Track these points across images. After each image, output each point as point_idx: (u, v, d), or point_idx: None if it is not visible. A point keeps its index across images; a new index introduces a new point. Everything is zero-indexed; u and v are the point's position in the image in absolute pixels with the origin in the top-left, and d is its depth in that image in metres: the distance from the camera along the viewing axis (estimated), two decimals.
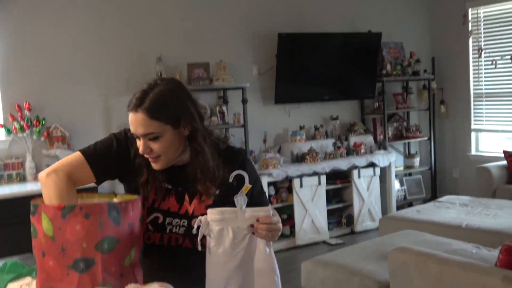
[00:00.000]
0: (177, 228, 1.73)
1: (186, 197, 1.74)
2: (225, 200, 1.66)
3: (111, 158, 1.73)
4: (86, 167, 1.68)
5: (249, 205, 1.62)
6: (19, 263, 1.85)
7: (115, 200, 1.68)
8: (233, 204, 1.61)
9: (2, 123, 4.33)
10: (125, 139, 1.76)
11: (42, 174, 1.66)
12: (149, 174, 1.72)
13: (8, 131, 4.31)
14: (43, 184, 1.64)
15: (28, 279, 1.66)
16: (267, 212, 1.58)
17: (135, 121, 1.62)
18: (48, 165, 4.42)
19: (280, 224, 1.64)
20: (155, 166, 1.70)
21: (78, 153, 1.71)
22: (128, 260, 1.52)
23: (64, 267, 1.43)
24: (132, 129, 1.65)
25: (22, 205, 3.70)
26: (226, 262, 1.57)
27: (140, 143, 1.66)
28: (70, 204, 1.47)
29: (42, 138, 4.42)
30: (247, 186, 1.61)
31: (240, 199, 1.58)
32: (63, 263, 1.43)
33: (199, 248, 1.58)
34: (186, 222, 1.72)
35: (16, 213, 3.75)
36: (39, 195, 1.62)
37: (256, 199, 1.76)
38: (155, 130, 1.61)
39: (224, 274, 1.57)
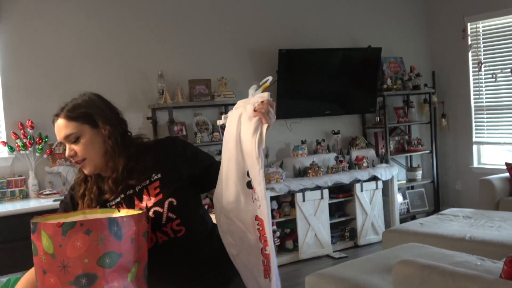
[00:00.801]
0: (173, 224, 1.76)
1: (135, 199, 1.77)
2: (170, 179, 1.76)
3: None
4: None
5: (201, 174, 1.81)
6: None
7: (118, 214, 1.68)
8: (179, 182, 1.76)
9: (5, 141, 4.35)
10: (67, 195, 1.88)
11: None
12: (86, 189, 1.81)
13: (11, 149, 4.33)
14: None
15: None
16: (268, 96, 1.66)
17: (57, 128, 1.76)
18: (50, 182, 4.44)
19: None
20: (85, 170, 1.78)
21: None
22: (132, 276, 1.52)
23: (66, 284, 1.43)
24: (57, 138, 1.76)
25: (25, 222, 3.72)
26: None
27: (66, 150, 1.76)
28: (69, 222, 1.47)
29: (45, 156, 4.44)
30: (266, 84, 1.72)
31: (253, 87, 1.71)
32: (65, 279, 1.43)
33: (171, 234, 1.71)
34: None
35: (19, 230, 3.75)
36: (41, 212, 1.63)
37: (198, 164, 1.84)
38: (73, 130, 1.73)
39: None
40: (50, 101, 4.55)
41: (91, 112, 1.75)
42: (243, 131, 1.64)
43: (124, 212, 1.69)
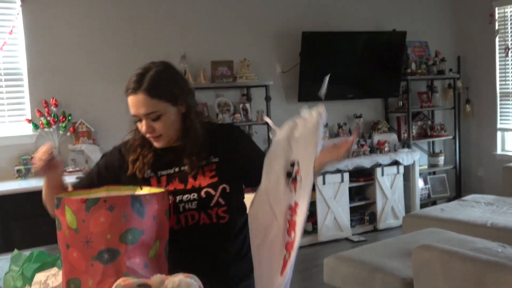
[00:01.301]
0: (190, 204, 1.73)
1: (190, 176, 1.76)
2: (226, 166, 1.76)
3: (100, 174, 1.83)
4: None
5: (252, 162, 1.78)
6: (45, 253, 1.88)
7: (141, 192, 1.69)
8: (233, 171, 1.75)
9: (30, 118, 4.41)
10: (114, 150, 1.87)
11: None
12: (140, 154, 1.79)
13: (36, 126, 4.39)
14: None
15: (54, 270, 1.69)
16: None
17: (136, 103, 1.68)
18: (73, 160, 4.50)
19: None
20: (157, 144, 1.76)
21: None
22: (153, 252, 1.53)
23: (89, 258, 1.45)
24: (133, 111, 1.70)
25: None
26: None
27: (142, 124, 1.71)
28: (93, 197, 1.49)
29: (68, 133, 4.49)
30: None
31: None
32: (88, 254, 1.45)
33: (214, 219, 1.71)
34: (196, 195, 1.73)
35: (43, 206, 3.82)
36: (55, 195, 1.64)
37: (254, 160, 1.79)
38: (156, 108, 1.67)
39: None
40: (74, 79, 4.62)
41: (172, 89, 1.71)
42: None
43: (146, 190, 1.70)
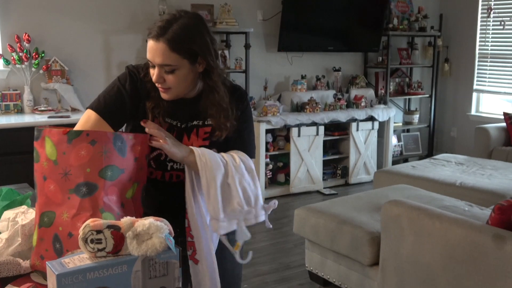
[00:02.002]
0: (178, 165, 1.74)
1: (185, 135, 1.75)
2: (220, 131, 1.73)
3: (123, 106, 1.72)
4: (102, 122, 1.67)
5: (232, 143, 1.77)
6: (14, 191, 1.86)
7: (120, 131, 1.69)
8: (225, 137, 1.73)
9: (1, 53, 4.28)
10: (130, 80, 1.74)
11: None
12: (158, 98, 1.72)
13: (7, 62, 4.26)
14: None
15: (23, 208, 1.67)
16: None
17: (155, 50, 1.62)
18: (46, 99, 4.41)
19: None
20: (164, 96, 1.71)
21: (89, 111, 1.69)
22: (130, 193, 1.53)
23: (66, 191, 1.44)
24: (149, 56, 1.64)
25: (19, 137, 3.73)
26: None
27: (154, 72, 1.66)
28: (76, 130, 1.47)
29: (41, 71, 4.38)
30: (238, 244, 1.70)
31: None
32: (65, 187, 1.44)
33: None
34: None
35: (13, 144, 3.77)
36: (35, 127, 1.60)
37: (240, 137, 1.78)
38: (173, 62, 1.62)
39: None
40: (49, 15, 4.47)
41: (195, 47, 1.63)
42: None
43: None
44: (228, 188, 1.66)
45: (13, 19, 4.32)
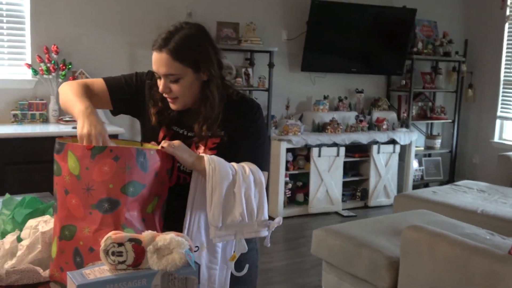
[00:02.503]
0: (185, 167, 1.72)
1: (193, 144, 1.76)
2: (229, 144, 1.75)
3: (129, 88, 1.85)
4: (104, 88, 1.81)
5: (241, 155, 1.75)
6: (37, 199, 1.88)
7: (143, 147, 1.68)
8: (233, 148, 1.74)
9: (29, 63, 4.36)
10: (146, 77, 1.86)
11: (61, 85, 1.82)
12: (163, 107, 1.79)
13: (35, 72, 4.34)
14: (60, 90, 1.79)
15: (46, 217, 1.69)
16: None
17: (158, 61, 1.68)
18: None
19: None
20: (172, 106, 1.76)
21: (101, 80, 1.84)
22: (151, 208, 1.53)
23: (88, 206, 1.44)
24: (154, 68, 1.71)
25: (43, 146, 3.78)
26: None
27: (160, 83, 1.72)
28: (100, 146, 1.47)
29: None
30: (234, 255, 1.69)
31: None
32: (87, 202, 1.44)
33: None
34: None
35: (37, 153, 3.82)
36: (61, 137, 1.62)
37: (249, 149, 1.78)
38: (177, 71, 1.67)
39: None
40: (77, 28, 4.55)
41: (198, 57, 1.69)
42: None
43: (149, 146, 1.69)
44: (232, 197, 1.63)
45: (43, 31, 4.41)
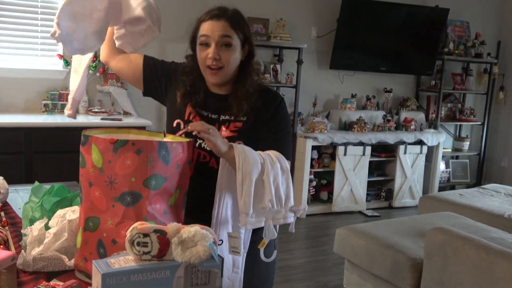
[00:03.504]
0: (206, 145, 1.76)
1: (216, 125, 1.80)
2: (251, 128, 1.79)
3: (162, 68, 1.95)
4: (140, 60, 1.96)
5: (265, 142, 1.79)
6: (65, 188, 1.91)
7: (164, 139, 1.69)
8: (254, 136, 1.78)
9: (61, 54, 4.43)
10: (175, 67, 1.95)
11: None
12: (192, 92, 1.84)
13: (66, 63, 4.40)
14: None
15: (74, 207, 1.71)
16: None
17: (215, 27, 1.75)
18: (100, 101, 4.53)
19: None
20: (214, 78, 1.79)
21: (141, 56, 1.98)
22: (173, 200, 1.54)
23: (110, 199, 1.45)
24: (207, 32, 1.75)
25: (73, 136, 3.84)
26: None
27: (209, 51, 1.75)
28: (122, 139, 1.48)
29: (98, 74, 4.51)
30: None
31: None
32: (110, 195, 1.45)
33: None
34: None
35: (66, 143, 3.88)
36: (88, 128, 1.64)
37: (273, 138, 1.81)
38: (231, 35, 1.75)
39: None
40: None
41: (246, 32, 1.80)
42: None
43: (170, 138, 1.70)
44: (261, 185, 1.66)
45: None
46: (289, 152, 1.84)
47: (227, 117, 1.81)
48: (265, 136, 1.81)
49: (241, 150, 1.64)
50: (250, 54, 1.82)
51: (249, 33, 1.81)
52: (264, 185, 1.66)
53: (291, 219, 1.71)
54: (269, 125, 1.81)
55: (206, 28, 1.75)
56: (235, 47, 1.76)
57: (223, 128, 1.80)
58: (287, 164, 1.74)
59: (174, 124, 1.85)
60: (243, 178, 1.62)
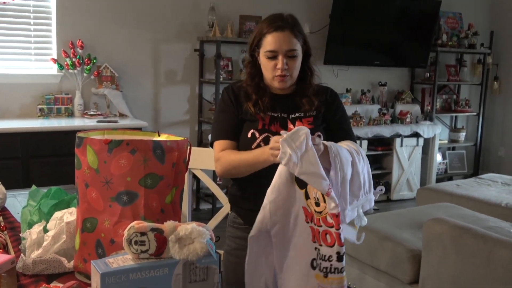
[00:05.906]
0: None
1: (289, 122, 1.91)
2: (320, 121, 1.94)
3: (233, 118, 1.95)
4: (233, 143, 1.93)
5: (336, 132, 1.93)
6: (62, 190, 1.92)
7: (159, 138, 1.70)
8: (325, 127, 1.94)
9: (55, 58, 4.43)
10: (227, 94, 1.98)
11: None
12: (258, 98, 1.93)
13: (61, 67, 4.40)
14: (227, 167, 1.91)
15: (72, 209, 1.72)
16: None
17: (282, 39, 1.85)
18: (95, 103, 4.53)
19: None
20: (282, 84, 1.90)
21: (217, 143, 1.95)
22: (169, 198, 1.55)
23: (107, 199, 1.46)
24: (275, 47, 1.85)
25: (69, 139, 3.84)
26: None
27: (278, 61, 1.85)
28: (117, 139, 1.49)
29: (92, 77, 4.51)
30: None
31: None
32: (106, 195, 1.46)
33: None
34: None
35: (62, 146, 3.89)
36: (84, 130, 1.65)
37: (343, 128, 1.98)
38: (296, 47, 1.87)
39: None
40: (102, 23, 4.60)
41: (303, 35, 1.91)
42: None
43: (164, 136, 1.70)
44: (356, 178, 1.70)
45: (68, 26, 4.47)
46: (355, 138, 2.01)
47: (296, 114, 1.93)
48: (336, 127, 1.96)
49: (336, 152, 1.62)
50: (307, 53, 1.93)
51: (305, 35, 1.92)
52: (356, 180, 1.71)
53: (372, 202, 1.79)
54: (337, 115, 1.98)
55: (272, 41, 1.85)
56: (299, 54, 1.88)
57: (298, 123, 1.91)
58: (362, 151, 1.80)
59: (249, 135, 1.92)
60: (341, 179, 1.63)
